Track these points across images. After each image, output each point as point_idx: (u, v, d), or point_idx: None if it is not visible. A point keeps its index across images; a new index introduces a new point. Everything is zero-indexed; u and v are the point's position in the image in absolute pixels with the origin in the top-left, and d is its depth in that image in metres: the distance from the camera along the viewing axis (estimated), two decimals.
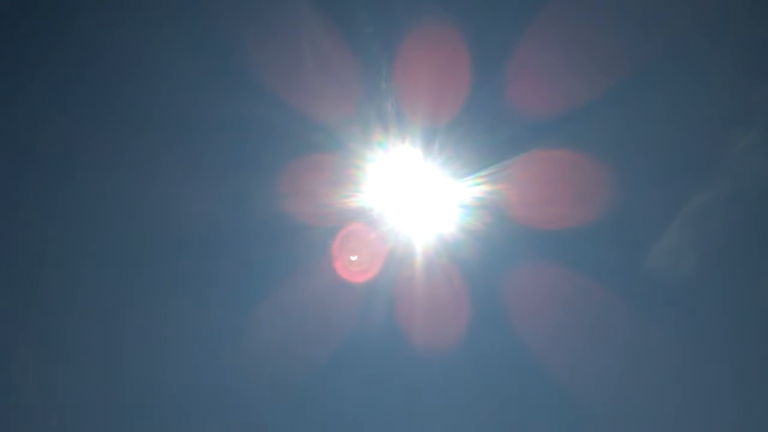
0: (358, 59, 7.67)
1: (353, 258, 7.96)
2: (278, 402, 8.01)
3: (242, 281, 8.26)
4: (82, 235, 8.14)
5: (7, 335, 7.99)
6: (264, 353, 7.98)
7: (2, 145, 8.09)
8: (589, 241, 7.69)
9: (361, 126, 7.68)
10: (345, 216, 7.87)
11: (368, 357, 7.97)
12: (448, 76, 7.59)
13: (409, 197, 7.89)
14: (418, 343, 7.88)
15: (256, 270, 8.24)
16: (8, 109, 8.05)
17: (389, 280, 7.89)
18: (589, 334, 7.66)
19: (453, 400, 7.74)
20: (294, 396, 8.05)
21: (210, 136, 8.14)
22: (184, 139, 8.05)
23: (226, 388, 8.02)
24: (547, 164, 7.60)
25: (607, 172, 7.68)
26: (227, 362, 8.00)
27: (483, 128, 7.57)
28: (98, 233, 8.15)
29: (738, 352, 7.61)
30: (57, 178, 8.13)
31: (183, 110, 8.04)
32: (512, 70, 7.59)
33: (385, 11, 7.69)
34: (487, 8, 7.73)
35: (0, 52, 8.18)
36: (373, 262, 7.88)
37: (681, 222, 7.78)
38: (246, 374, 7.95)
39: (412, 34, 7.57)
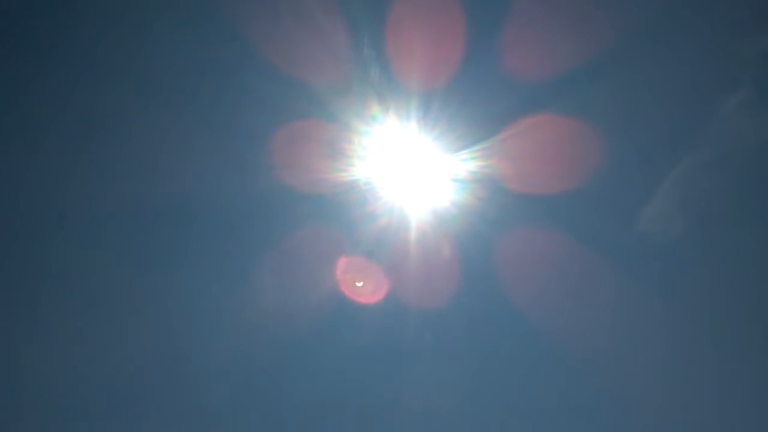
0: (347, 28, 7.54)
1: (359, 284, 8.03)
2: (276, 365, 8.14)
3: (234, 253, 8.28)
4: (71, 207, 8.08)
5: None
6: (258, 325, 8.05)
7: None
8: (583, 210, 7.78)
9: (353, 98, 7.61)
10: (338, 189, 7.86)
11: (361, 331, 8.08)
12: (441, 47, 7.51)
13: (403, 171, 7.88)
14: (413, 317, 8.01)
15: (248, 241, 8.26)
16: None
17: (384, 254, 7.98)
18: (584, 301, 7.83)
19: (449, 372, 7.92)
20: (290, 363, 8.18)
21: (201, 105, 8.02)
22: (175, 109, 7.92)
23: (221, 359, 8.11)
24: (539, 135, 7.61)
25: (598, 139, 7.71)
26: (221, 332, 8.07)
27: (476, 101, 7.53)
28: (88, 206, 8.08)
29: (726, 313, 7.83)
30: (50, 156, 8.03)
31: (173, 81, 7.94)
32: (505, 39, 7.52)
33: None
34: None
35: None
36: (378, 288, 7.96)
37: (670, 184, 7.87)
38: (241, 347, 8.03)
39: (402, 4, 7.46)
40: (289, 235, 8.07)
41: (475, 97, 7.52)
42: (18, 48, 7.96)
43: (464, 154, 7.61)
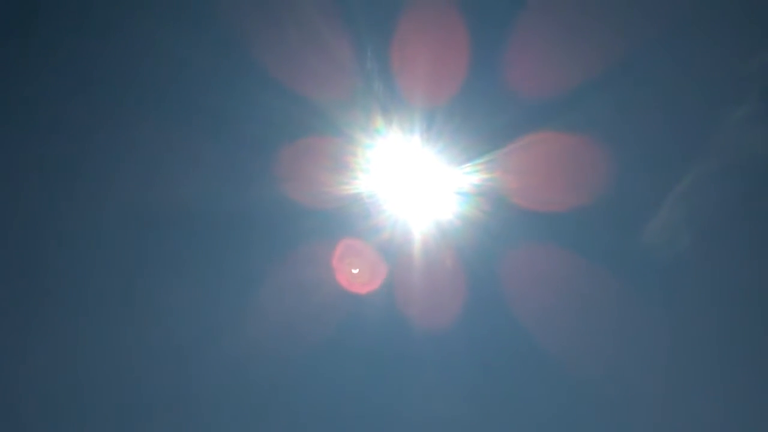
0: (351, 42, 7.58)
1: (355, 271, 8.00)
2: (278, 377, 8.10)
3: (239, 266, 8.27)
4: (79, 217, 8.09)
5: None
6: (262, 337, 8.03)
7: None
8: (587, 224, 7.76)
9: (358, 112, 7.63)
10: (342, 202, 7.87)
11: (364, 344, 8.05)
12: (445, 60, 7.54)
13: (407, 184, 7.88)
14: (417, 331, 7.98)
15: (252, 255, 8.25)
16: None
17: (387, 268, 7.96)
18: (589, 315, 7.79)
19: (452, 387, 7.87)
20: (291, 376, 8.15)
21: (206, 119, 8.05)
22: (178, 123, 7.94)
23: (224, 375, 8.08)
24: (543, 148, 7.61)
25: (603, 153, 7.70)
26: (225, 348, 8.04)
27: (481, 114, 7.55)
28: (93, 218, 8.09)
29: (733, 326, 7.77)
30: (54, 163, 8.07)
31: (177, 94, 7.98)
32: (510, 54, 7.55)
33: None
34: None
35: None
36: (375, 274, 7.93)
37: (676, 198, 7.85)
38: (245, 359, 8.00)
39: (407, 18, 7.50)
40: (293, 249, 8.06)
41: (479, 110, 7.54)
42: (20, 55, 8.03)
43: (468, 167, 7.62)
